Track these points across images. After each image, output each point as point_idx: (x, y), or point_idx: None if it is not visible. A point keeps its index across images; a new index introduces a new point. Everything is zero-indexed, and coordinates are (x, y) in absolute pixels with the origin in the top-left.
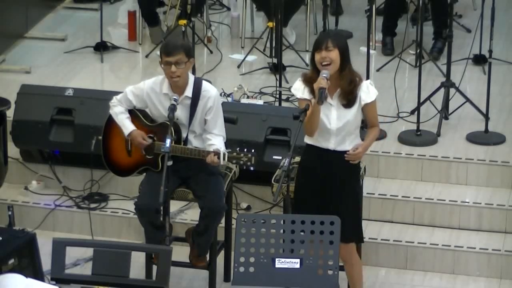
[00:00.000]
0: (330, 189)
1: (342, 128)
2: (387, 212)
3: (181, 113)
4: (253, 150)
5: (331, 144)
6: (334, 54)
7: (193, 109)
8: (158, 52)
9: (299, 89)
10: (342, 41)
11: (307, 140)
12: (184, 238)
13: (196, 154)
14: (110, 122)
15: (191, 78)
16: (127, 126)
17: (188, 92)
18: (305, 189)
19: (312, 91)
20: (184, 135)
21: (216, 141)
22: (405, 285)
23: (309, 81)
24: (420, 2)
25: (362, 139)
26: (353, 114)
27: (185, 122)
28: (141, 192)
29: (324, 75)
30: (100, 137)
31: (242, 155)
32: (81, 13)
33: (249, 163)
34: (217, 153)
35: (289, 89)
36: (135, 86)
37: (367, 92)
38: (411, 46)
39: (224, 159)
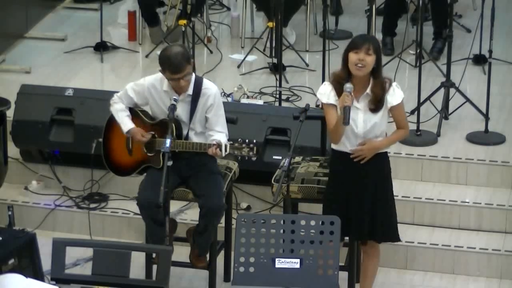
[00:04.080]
0: (361, 192)
1: (369, 131)
2: None
3: (182, 111)
4: (254, 141)
5: None
6: (371, 59)
7: (193, 106)
8: (158, 52)
9: (324, 94)
10: (379, 47)
11: (333, 146)
12: (184, 238)
13: (198, 148)
14: (111, 122)
15: (192, 77)
16: (126, 123)
17: (189, 90)
18: (336, 194)
19: (339, 92)
20: (184, 132)
21: (219, 137)
22: (405, 285)
23: (338, 81)
24: (420, 2)
25: None
26: (379, 117)
27: (186, 120)
28: (142, 187)
29: (348, 90)
30: (101, 140)
31: (244, 146)
32: (81, 13)
33: (251, 153)
34: (219, 145)
35: (289, 89)
36: (135, 82)
37: (393, 94)
38: (411, 46)
39: (226, 150)
